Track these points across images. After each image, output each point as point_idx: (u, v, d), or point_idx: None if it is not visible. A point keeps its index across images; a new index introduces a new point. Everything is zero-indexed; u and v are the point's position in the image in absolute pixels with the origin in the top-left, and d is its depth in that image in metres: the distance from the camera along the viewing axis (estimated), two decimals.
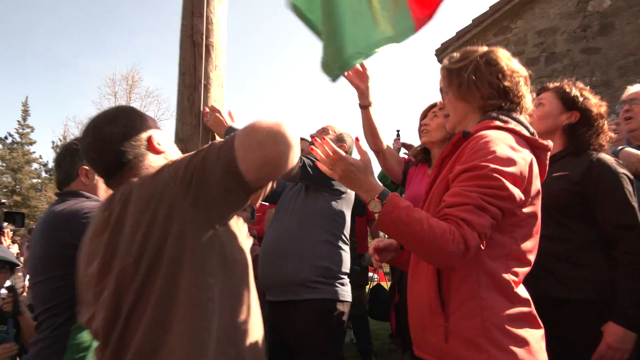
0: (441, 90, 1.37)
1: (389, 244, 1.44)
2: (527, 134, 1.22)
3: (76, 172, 1.74)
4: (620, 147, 2.11)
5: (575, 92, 1.80)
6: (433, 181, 1.29)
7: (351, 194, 2.28)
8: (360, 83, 1.96)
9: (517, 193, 1.10)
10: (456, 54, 1.35)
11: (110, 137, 1.13)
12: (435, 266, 1.14)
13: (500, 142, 1.13)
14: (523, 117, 1.27)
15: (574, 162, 1.73)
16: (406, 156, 3.27)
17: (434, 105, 2.21)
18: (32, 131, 27.01)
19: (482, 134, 1.16)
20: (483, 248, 1.08)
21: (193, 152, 1.06)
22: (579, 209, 1.68)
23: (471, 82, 1.26)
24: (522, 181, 1.12)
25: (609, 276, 1.60)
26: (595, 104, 1.79)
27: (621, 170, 1.67)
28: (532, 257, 1.19)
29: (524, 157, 1.14)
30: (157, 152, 1.19)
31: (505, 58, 1.29)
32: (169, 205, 0.99)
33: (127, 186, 1.08)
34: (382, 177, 3.71)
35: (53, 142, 25.77)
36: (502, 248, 1.13)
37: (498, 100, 1.26)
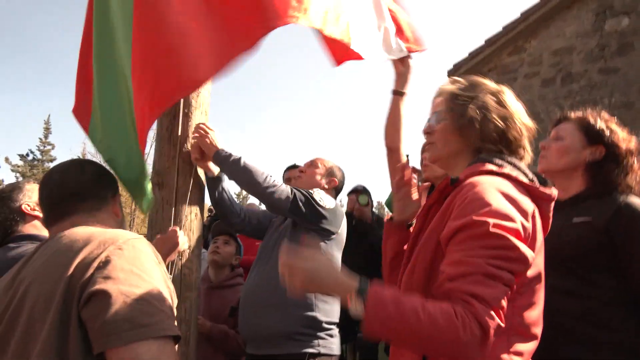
0: (436, 112, 1.17)
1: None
2: (525, 180, 1.03)
3: None
4: None
5: (600, 124, 1.58)
6: (417, 234, 1.09)
7: (342, 235, 2.05)
8: (401, 66, 1.89)
9: (528, 251, 0.90)
10: (463, 81, 1.17)
11: (82, 172, 1.12)
12: None
13: (496, 190, 0.94)
14: (522, 163, 1.10)
15: (598, 206, 1.49)
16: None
17: None
18: (53, 148, 27.47)
19: (473, 181, 0.98)
20: (503, 326, 0.86)
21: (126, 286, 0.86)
22: (604, 261, 1.43)
23: (475, 117, 1.08)
24: (527, 236, 0.93)
25: (638, 341, 1.35)
26: (624, 138, 1.55)
27: None
28: (538, 331, 0.98)
29: (525, 208, 0.95)
30: (116, 216, 1.15)
31: (516, 104, 1.13)
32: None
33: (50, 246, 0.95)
34: (389, 203, 3.54)
35: None
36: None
37: (498, 145, 1.08)
